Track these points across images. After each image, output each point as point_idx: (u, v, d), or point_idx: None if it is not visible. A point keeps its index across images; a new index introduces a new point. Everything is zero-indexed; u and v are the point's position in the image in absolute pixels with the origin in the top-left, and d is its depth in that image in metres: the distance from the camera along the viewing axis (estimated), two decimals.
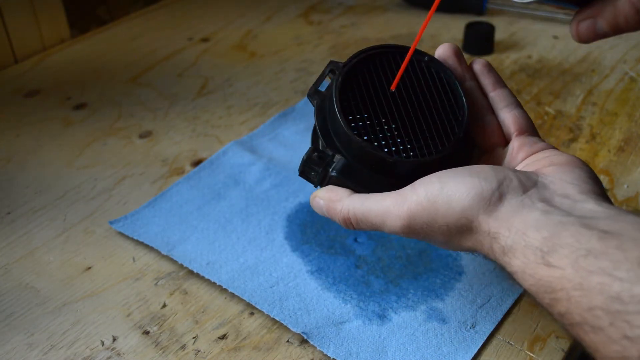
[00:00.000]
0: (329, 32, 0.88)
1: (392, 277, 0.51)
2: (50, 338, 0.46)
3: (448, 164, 0.42)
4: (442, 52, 0.45)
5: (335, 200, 0.43)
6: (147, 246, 0.54)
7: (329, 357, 0.44)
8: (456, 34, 0.86)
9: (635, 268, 0.30)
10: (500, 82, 0.45)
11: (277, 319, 0.47)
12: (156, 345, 0.46)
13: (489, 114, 0.45)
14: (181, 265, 0.52)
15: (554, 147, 0.43)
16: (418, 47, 0.44)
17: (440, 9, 0.91)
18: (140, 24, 0.91)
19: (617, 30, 0.41)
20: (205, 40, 0.87)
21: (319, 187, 0.45)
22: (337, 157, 0.42)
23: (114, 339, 0.46)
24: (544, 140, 0.44)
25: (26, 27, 0.81)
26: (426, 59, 0.44)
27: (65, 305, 0.49)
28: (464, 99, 0.43)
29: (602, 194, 0.38)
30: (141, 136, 0.68)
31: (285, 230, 0.55)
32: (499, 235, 0.36)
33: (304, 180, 0.45)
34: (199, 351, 0.45)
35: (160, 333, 0.47)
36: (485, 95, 0.45)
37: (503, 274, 0.38)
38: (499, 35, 0.84)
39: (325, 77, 0.44)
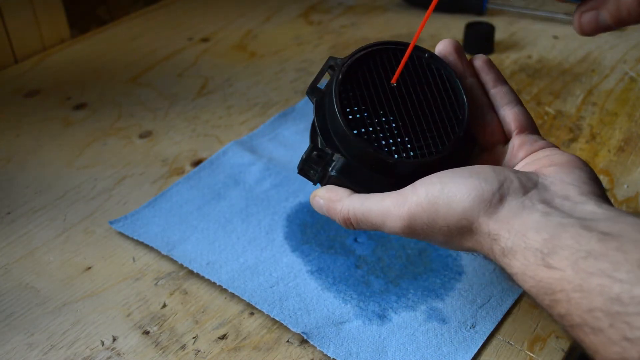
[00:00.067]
0: (329, 32, 0.88)
1: (392, 277, 0.50)
2: (50, 338, 0.46)
3: (449, 163, 0.42)
4: (442, 47, 0.45)
5: (335, 200, 0.43)
6: (147, 246, 0.54)
7: (329, 357, 0.44)
8: (456, 34, 0.86)
9: (635, 269, 0.30)
10: (500, 79, 0.45)
11: (277, 319, 0.47)
12: (156, 345, 0.46)
13: (489, 112, 0.44)
14: (181, 265, 0.52)
15: (554, 146, 0.43)
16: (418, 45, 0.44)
17: (440, 9, 0.92)
18: (140, 24, 0.91)
19: (619, 22, 0.41)
20: (205, 40, 0.87)
21: (318, 185, 0.45)
22: (337, 156, 0.42)
23: (114, 339, 0.46)
24: (544, 139, 0.43)
25: (26, 27, 0.81)
26: (427, 55, 0.44)
27: (65, 305, 0.49)
28: (464, 96, 0.43)
29: (602, 195, 0.38)
30: (141, 136, 0.68)
31: (285, 230, 0.55)
32: (499, 237, 0.36)
33: (304, 180, 0.45)
34: (199, 351, 0.45)
35: (160, 333, 0.47)
36: (485, 92, 0.45)
37: (503, 274, 0.38)
38: (499, 35, 0.84)
39: (325, 73, 0.44)
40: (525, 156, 0.42)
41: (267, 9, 0.95)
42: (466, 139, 0.43)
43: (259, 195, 0.59)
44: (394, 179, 0.42)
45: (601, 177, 0.61)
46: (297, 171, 0.44)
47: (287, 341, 0.46)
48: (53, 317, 0.48)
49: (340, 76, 0.42)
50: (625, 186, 0.60)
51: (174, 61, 0.82)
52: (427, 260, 0.52)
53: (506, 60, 0.81)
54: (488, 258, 0.38)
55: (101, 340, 0.46)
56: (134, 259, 0.53)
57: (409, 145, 0.41)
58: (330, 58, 0.44)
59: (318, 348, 0.45)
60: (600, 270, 0.31)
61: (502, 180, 0.38)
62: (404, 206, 0.39)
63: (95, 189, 0.60)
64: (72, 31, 0.87)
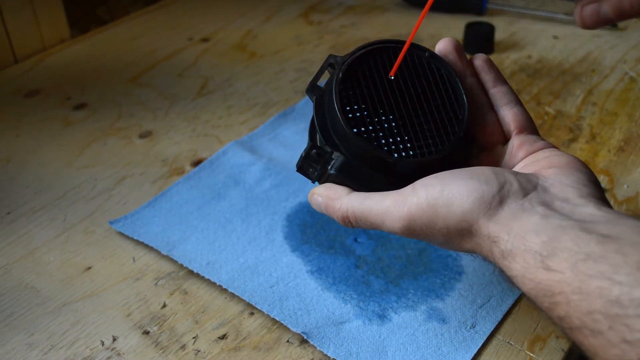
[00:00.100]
0: (329, 32, 0.88)
1: (392, 277, 0.50)
2: (50, 338, 0.46)
3: (448, 163, 0.42)
4: (442, 46, 0.45)
5: (334, 199, 0.43)
6: (147, 246, 0.54)
7: (329, 357, 0.44)
8: (456, 34, 0.86)
9: (634, 272, 0.30)
10: (500, 79, 0.45)
11: (277, 319, 0.47)
12: (156, 345, 0.46)
13: (489, 112, 0.44)
14: (181, 265, 0.52)
15: (553, 146, 0.43)
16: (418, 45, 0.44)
17: (440, 9, 0.92)
18: (140, 24, 0.91)
19: (621, 15, 0.41)
20: (205, 40, 0.87)
21: (316, 183, 0.45)
22: (336, 154, 0.42)
23: (114, 339, 0.46)
24: (543, 139, 0.43)
25: (26, 27, 0.81)
26: (427, 54, 0.44)
27: (65, 305, 0.49)
28: (464, 96, 0.43)
29: (601, 197, 0.38)
30: (141, 136, 0.68)
31: (285, 230, 0.55)
32: (499, 239, 0.36)
33: (304, 180, 0.45)
34: (199, 351, 0.45)
35: (160, 333, 0.47)
36: (485, 91, 0.45)
37: (502, 276, 0.38)
38: (499, 35, 0.84)
39: (325, 71, 0.44)
40: (525, 156, 0.42)
41: (267, 9, 0.95)
42: (466, 139, 0.43)
43: (259, 195, 0.59)
44: (394, 178, 0.41)
45: (601, 177, 0.61)
46: (296, 169, 0.44)
47: (287, 341, 0.46)
48: (53, 317, 0.48)
49: (341, 74, 0.42)
50: (625, 186, 0.60)
51: (174, 61, 0.82)
52: (427, 260, 0.52)
53: (506, 60, 0.81)
54: (487, 260, 0.38)
55: (101, 340, 0.46)
56: (134, 259, 0.53)
57: (408, 145, 0.41)
58: (330, 56, 0.44)
59: (318, 348, 0.45)
60: (600, 272, 0.31)
61: (502, 183, 0.38)
62: (403, 207, 0.39)
63: (95, 189, 0.60)
64: (72, 31, 0.87)
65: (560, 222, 0.34)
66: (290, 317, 0.47)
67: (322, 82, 0.44)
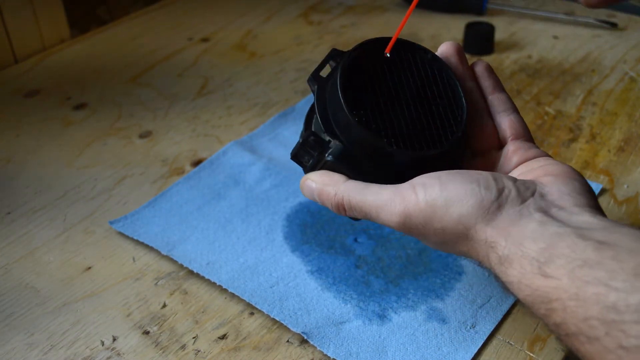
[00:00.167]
0: (329, 32, 0.88)
1: (392, 277, 0.50)
2: (50, 338, 0.46)
3: (444, 162, 0.42)
4: (444, 49, 0.45)
5: (329, 184, 0.42)
6: (147, 246, 0.54)
7: (329, 357, 0.44)
8: (456, 34, 0.86)
9: (630, 278, 0.30)
10: (499, 86, 0.46)
11: (277, 319, 0.47)
12: (156, 345, 0.46)
13: (486, 117, 0.45)
14: (181, 265, 0.52)
15: (548, 155, 0.43)
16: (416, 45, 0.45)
17: (440, 9, 0.92)
18: (140, 24, 0.91)
19: None
20: (205, 40, 0.87)
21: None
22: (334, 142, 0.42)
23: (114, 339, 0.46)
24: (538, 147, 0.44)
25: (26, 27, 0.81)
26: (429, 56, 0.44)
27: (65, 305, 0.49)
28: (463, 99, 0.43)
29: (596, 206, 0.38)
30: (141, 136, 0.68)
31: (285, 230, 0.55)
32: (496, 245, 0.36)
33: None
34: (199, 351, 0.45)
35: (160, 333, 0.47)
36: (483, 97, 0.45)
37: (497, 282, 0.38)
38: (499, 35, 0.84)
39: (327, 63, 0.44)
40: (519, 162, 0.43)
41: (267, 9, 0.95)
42: (463, 140, 0.43)
43: (259, 195, 0.59)
44: (390, 170, 0.42)
45: (601, 177, 0.61)
46: (290, 157, 0.44)
47: (287, 341, 0.46)
48: (53, 317, 0.48)
49: (347, 63, 0.42)
50: (625, 186, 0.60)
51: (174, 61, 0.82)
52: (427, 260, 0.52)
53: (506, 60, 0.81)
54: (482, 265, 0.38)
55: (101, 340, 0.46)
56: (134, 259, 0.53)
57: (407, 138, 0.42)
58: (333, 49, 0.44)
59: (318, 348, 0.45)
60: (596, 278, 0.31)
61: (502, 189, 0.38)
62: (401, 203, 0.39)
63: (95, 189, 0.60)
64: (72, 31, 0.87)
65: (557, 229, 0.35)
66: (290, 317, 0.47)
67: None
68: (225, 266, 0.51)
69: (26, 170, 0.63)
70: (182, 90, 0.75)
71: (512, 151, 0.43)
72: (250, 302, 0.48)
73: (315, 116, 0.44)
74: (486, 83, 0.45)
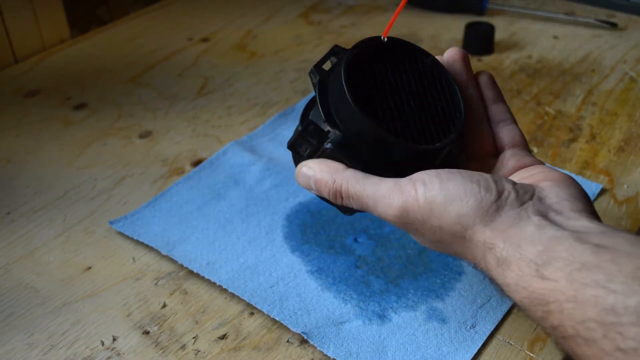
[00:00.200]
0: (329, 32, 0.88)
1: (392, 277, 0.51)
2: (50, 338, 0.46)
3: (441, 160, 0.42)
4: (450, 55, 0.46)
5: (328, 172, 0.42)
6: (147, 246, 0.54)
7: (329, 357, 0.44)
8: (456, 34, 0.86)
9: (629, 281, 0.31)
10: (501, 98, 0.46)
11: (277, 319, 0.47)
12: (156, 345, 0.46)
13: (485, 123, 0.45)
14: (181, 265, 0.52)
15: (543, 163, 0.43)
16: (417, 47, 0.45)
17: (440, 9, 0.92)
18: (140, 24, 0.91)
19: None
20: (205, 40, 0.87)
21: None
22: (334, 131, 0.42)
23: (114, 339, 0.46)
24: (534, 156, 0.44)
25: (26, 27, 0.81)
26: (430, 60, 0.45)
27: (65, 305, 0.49)
28: (461, 103, 0.44)
29: (593, 212, 0.39)
30: (141, 136, 0.68)
31: (285, 230, 0.55)
32: (495, 247, 0.36)
33: None
34: (199, 351, 0.45)
35: (160, 333, 0.47)
36: (484, 105, 0.46)
37: (492, 284, 0.38)
38: (499, 35, 0.84)
39: (329, 58, 0.45)
40: (515, 167, 0.43)
41: (267, 9, 0.95)
42: (460, 141, 0.44)
43: (259, 195, 0.59)
44: (389, 162, 0.42)
45: (601, 177, 0.61)
46: (287, 146, 0.44)
47: (287, 341, 0.46)
48: (53, 317, 0.48)
49: (350, 58, 0.42)
50: (625, 186, 0.60)
51: (174, 61, 0.82)
52: (427, 260, 0.52)
53: (506, 60, 0.81)
54: (477, 267, 0.38)
55: (101, 340, 0.46)
56: (134, 259, 0.53)
57: (408, 132, 0.42)
58: (336, 46, 0.44)
59: (318, 348, 0.45)
60: (594, 281, 0.31)
61: (501, 191, 0.38)
62: (400, 197, 0.39)
63: (95, 189, 0.60)
64: (72, 31, 0.87)
65: (555, 233, 0.35)
66: (290, 317, 0.47)
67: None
68: (225, 266, 0.51)
69: (26, 170, 0.63)
70: (182, 90, 0.75)
71: (508, 158, 0.44)
72: (250, 302, 0.48)
73: (315, 107, 0.44)
74: (488, 93, 0.46)
